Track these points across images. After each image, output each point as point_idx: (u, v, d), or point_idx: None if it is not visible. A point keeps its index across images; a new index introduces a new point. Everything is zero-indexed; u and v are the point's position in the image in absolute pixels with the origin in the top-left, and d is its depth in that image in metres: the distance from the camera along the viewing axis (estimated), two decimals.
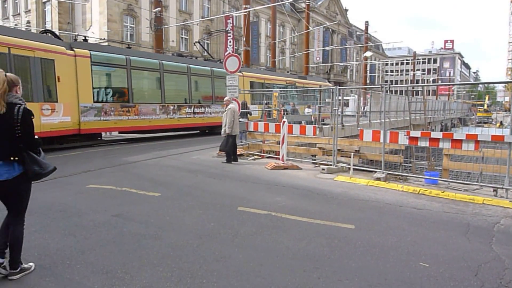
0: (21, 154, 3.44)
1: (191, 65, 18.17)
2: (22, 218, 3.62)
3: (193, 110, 18.07)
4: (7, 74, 3.44)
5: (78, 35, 15.50)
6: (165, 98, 16.46)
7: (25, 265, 3.62)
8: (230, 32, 20.09)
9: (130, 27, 33.70)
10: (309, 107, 19.72)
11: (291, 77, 27.71)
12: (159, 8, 20.25)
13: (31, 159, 3.49)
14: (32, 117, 3.51)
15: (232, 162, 10.29)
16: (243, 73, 20.68)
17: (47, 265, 3.77)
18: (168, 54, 20.21)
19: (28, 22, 37.40)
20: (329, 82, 60.55)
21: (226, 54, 15.79)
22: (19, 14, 40.31)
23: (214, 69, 19.37)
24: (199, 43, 22.42)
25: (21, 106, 3.43)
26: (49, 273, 3.61)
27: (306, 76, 32.32)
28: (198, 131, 19.93)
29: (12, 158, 3.41)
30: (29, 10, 37.92)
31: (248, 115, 13.67)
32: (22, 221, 3.62)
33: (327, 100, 20.17)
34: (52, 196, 6.46)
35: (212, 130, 19.34)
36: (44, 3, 36.12)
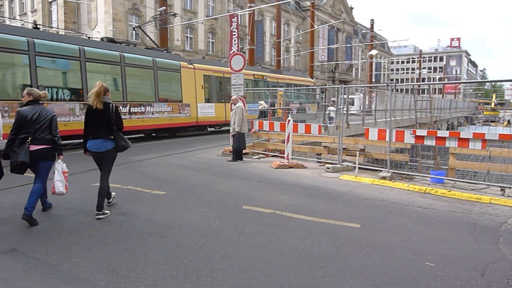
0: (113, 134, 5.31)
1: (125, 54, 14.59)
2: (108, 177, 5.49)
3: (129, 110, 14.47)
4: (103, 84, 5.31)
5: (84, 34, 15.35)
6: (88, 94, 13.44)
7: (105, 211, 5.36)
8: (235, 31, 20.06)
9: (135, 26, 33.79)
10: (332, 104, 19.27)
11: (263, 71, 24.11)
12: (164, 7, 20.27)
13: (120, 137, 5.39)
14: (120, 110, 5.54)
15: (238, 160, 10.32)
16: (194, 65, 18.04)
17: (53, 262, 3.79)
18: (95, 39, 16.17)
19: (35, 21, 37.61)
20: (334, 80, 60.53)
21: (231, 53, 15.78)
22: (25, 13, 40.55)
23: (157, 59, 15.90)
24: (140, 28, 19.95)
25: (112, 104, 5.33)
26: (55, 270, 3.63)
27: (282, 70, 28.59)
28: (143, 135, 16.70)
29: (109, 137, 5.29)
30: (36, 10, 38.14)
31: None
32: (107, 178, 5.48)
33: (332, 99, 19.99)
34: None
35: (158, 133, 16.73)
36: (50, 2, 36.31)
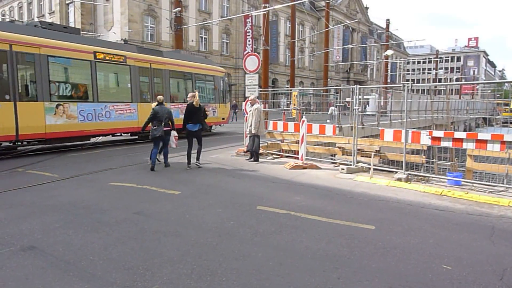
0: (202, 121, 9.24)
1: None
2: (201, 144, 9.55)
3: None
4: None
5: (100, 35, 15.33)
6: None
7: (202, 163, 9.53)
8: (249, 32, 20.08)
9: (151, 27, 34.17)
10: (333, 105, 19.70)
11: (123, 48, 14.07)
12: (179, 8, 20.43)
13: (205, 123, 9.40)
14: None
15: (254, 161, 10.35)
16: None
17: (71, 260, 3.86)
18: None
19: (52, 23, 38.34)
20: (348, 81, 60.07)
21: (245, 53, 15.82)
22: (43, 15, 41.37)
23: None
24: None
25: (202, 105, 9.36)
26: (73, 268, 3.69)
27: (165, 51, 18.31)
28: None
29: (199, 122, 9.15)
30: (53, 12, 38.89)
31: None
32: (201, 145, 9.53)
33: (347, 99, 19.83)
34: (75, 193, 6.61)
35: None
36: (68, 4, 36.98)
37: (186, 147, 9.40)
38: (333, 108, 19.48)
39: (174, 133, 9.51)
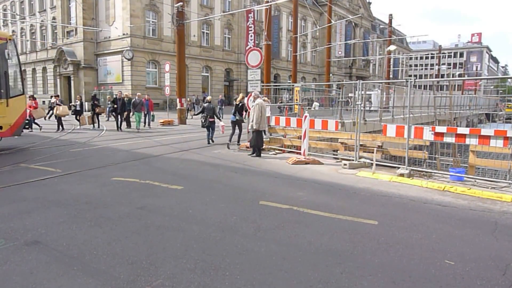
0: (238, 114, 12.34)
1: None
2: (241, 131, 12.54)
3: None
4: (243, 95, 12.99)
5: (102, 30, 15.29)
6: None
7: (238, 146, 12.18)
8: (251, 27, 19.96)
9: (152, 22, 34.08)
10: (316, 100, 20.45)
11: None
12: (181, 3, 20.36)
13: (241, 115, 12.43)
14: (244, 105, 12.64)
15: (255, 156, 10.34)
16: None
17: (75, 255, 3.88)
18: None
19: (54, 18, 38.33)
20: (351, 76, 59.87)
21: (247, 48, 15.74)
22: (45, 10, 41.34)
23: None
24: None
25: (243, 103, 12.40)
26: (76, 263, 3.71)
27: None
28: None
29: (235, 114, 12.38)
30: (55, 7, 38.82)
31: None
32: (241, 132, 12.53)
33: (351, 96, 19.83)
34: (78, 189, 6.63)
35: None
36: None
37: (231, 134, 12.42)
38: (316, 103, 20.98)
39: (222, 123, 13.16)
